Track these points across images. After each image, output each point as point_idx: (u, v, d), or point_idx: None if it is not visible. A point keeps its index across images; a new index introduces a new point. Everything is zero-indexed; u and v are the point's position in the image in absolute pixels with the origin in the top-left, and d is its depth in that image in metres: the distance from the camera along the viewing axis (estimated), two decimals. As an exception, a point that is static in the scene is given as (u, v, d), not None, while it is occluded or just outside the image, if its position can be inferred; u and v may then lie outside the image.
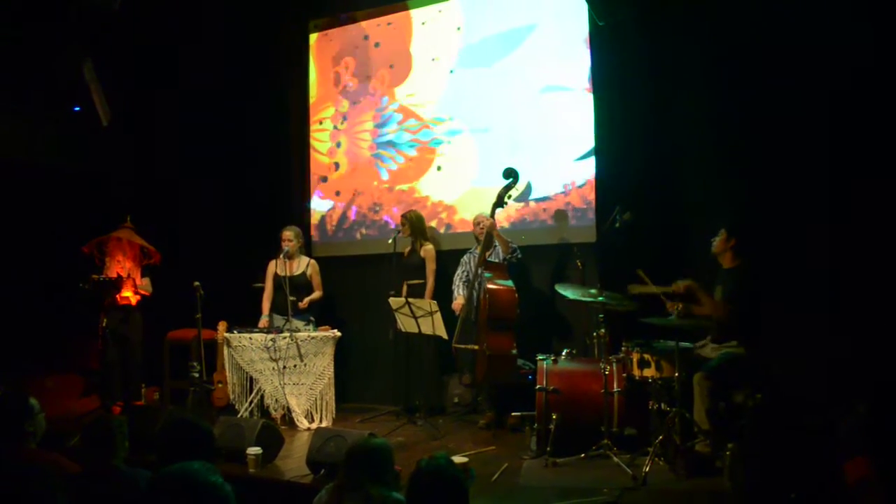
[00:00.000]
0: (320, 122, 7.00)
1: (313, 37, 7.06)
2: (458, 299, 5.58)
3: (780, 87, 4.85)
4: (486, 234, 5.31)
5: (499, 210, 5.39)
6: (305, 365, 5.41)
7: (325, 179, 6.92)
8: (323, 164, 6.96)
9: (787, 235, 4.76)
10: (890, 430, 2.52)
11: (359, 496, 2.39)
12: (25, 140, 6.44)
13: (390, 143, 6.61)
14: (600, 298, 4.40)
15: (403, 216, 5.93)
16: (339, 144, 6.89)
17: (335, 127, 6.91)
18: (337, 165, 6.88)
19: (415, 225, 5.87)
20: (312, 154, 7.02)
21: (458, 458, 3.62)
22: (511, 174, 5.34)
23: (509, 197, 5.38)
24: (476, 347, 5.20)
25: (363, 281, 6.56)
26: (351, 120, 6.84)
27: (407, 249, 5.95)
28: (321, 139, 6.99)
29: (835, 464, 2.53)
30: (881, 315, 4.34)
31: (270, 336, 5.41)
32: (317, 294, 5.91)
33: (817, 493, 2.85)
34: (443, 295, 5.73)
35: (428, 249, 5.86)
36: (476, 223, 5.55)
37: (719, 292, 4.41)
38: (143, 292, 5.95)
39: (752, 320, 4.22)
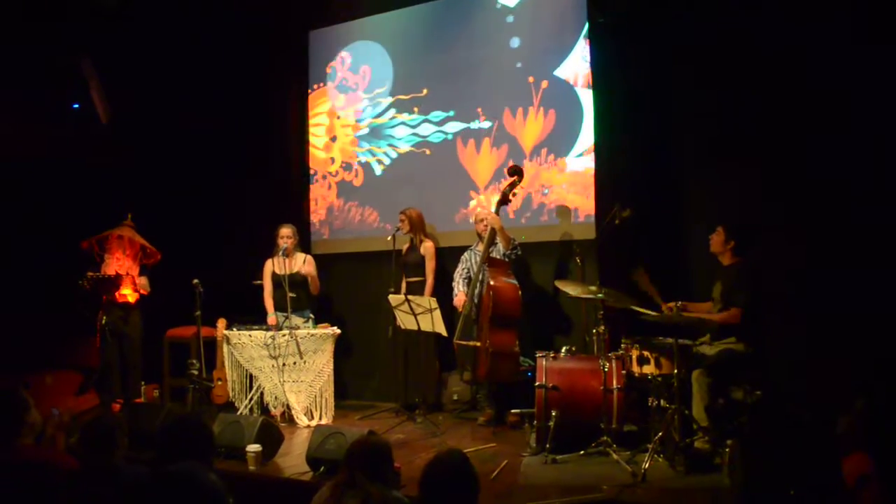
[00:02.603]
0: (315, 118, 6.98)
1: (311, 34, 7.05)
2: (460, 295, 5.56)
3: (779, 84, 4.85)
4: (490, 231, 5.30)
5: (502, 207, 5.38)
6: (305, 362, 5.41)
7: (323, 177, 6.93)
8: (320, 159, 6.94)
9: (786, 233, 4.76)
10: (889, 427, 2.52)
11: (358, 494, 2.39)
12: (25, 138, 6.43)
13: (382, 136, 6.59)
14: (599, 295, 4.40)
15: (402, 213, 5.90)
16: (334, 139, 6.87)
17: (330, 121, 6.89)
18: (332, 160, 6.86)
19: (414, 221, 5.86)
20: (311, 150, 7.00)
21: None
22: (515, 171, 5.34)
23: (514, 194, 5.37)
24: (478, 344, 5.18)
25: (363, 278, 6.55)
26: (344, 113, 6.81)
27: (406, 246, 5.93)
28: (317, 133, 6.98)
29: (834, 460, 2.53)
30: (881, 311, 4.34)
31: (270, 333, 5.41)
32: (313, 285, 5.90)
33: (816, 489, 2.85)
34: (442, 292, 5.73)
35: (427, 247, 5.84)
36: (479, 220, 5.53)
37: (718, 288, 4.42)
38: (141, 291, 5.94)
39: (751, 317, 4.22)
